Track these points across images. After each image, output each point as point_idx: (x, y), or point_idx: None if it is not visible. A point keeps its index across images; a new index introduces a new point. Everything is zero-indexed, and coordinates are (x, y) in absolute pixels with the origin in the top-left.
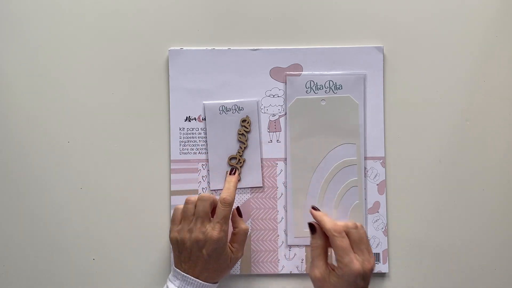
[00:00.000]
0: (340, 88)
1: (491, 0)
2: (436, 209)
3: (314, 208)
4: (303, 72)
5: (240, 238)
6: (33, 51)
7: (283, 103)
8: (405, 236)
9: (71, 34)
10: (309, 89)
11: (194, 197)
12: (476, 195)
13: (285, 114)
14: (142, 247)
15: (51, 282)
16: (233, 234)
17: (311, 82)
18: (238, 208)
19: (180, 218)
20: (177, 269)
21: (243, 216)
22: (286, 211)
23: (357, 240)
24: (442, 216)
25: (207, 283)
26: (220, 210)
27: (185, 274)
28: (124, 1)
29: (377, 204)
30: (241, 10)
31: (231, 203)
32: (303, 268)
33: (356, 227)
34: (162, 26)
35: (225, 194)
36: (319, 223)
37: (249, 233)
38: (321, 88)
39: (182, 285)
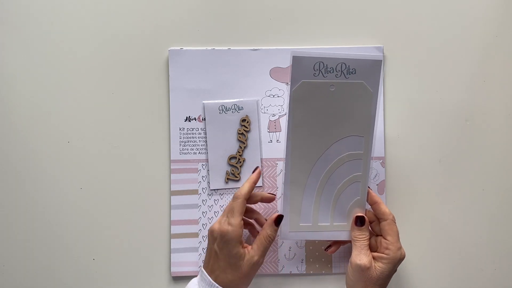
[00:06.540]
0: (353, 72)
1: (491, 0)
2: (436, 209)
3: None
4: (311, 51)
5: (259, 241)
6: (33, 51)
7: (283, 103)
8: (405, 236)
9: (71, 34)
10: (317, 72)
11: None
12: (476, 195)
13: (285, 113)
14: (142, 247)
15: (51, 282)
16: (257, 236)
17: (321, 64)
18: (278, 216)
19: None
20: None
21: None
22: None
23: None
24: (442, 216)
25: (216, 284)
26: (228, 204)
27: (202, 269)
28: (124, 1)
29: None
30: (241, 10)
31: (237, 197)
32: (303, 268)
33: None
34: (162, 26)
35: (238, 190)
36: (377, 204)
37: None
38: (332, 71)
39: (200, 279)
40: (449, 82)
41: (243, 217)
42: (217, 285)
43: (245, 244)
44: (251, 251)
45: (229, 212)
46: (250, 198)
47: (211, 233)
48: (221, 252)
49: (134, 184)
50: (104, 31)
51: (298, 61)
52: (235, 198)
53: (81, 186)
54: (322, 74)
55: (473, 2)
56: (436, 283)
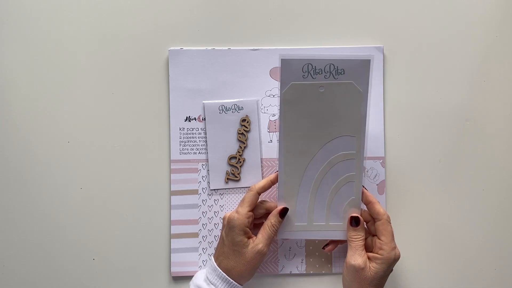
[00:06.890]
0: (342, 73)
1: (491, 0)
2: (436, 209)
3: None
4: (300, 53)
5: (264, 230)
6: (33, 51)
7: None
8: (404, 236)
9: (71, 34)
10: (306, 74)
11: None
12: (476, 195)
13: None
14: (142, 247)
15: (51, 282)
16: (262, 226)
17: (309, 65)
18: (283, 209)
19: None
20: None
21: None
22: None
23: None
24: (442, 216)
25: (219, 269)
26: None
27: (211, 255)
28: (124, 1)
29: None
30: (241, 10)
31: (251, 189)
32: (303, 268)
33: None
34: (162, 26)
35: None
36: (372, 204)
37: None
38: (320, 72)
39: (208, 266)
40: (449, 82)
41: (263, 221)
42: (220, 270)
43: (252, 235)
44: (255, 240)
45: (240, 202)
46: (259, 206)
47: (223, 220)
48: (227, 238)
49: (134, 184)
50: (104, 31)
51: (286, 63)
52: (249, 190)
53: (81, 186)
54: (311, 75)
55: (473, 2)
56: (436, 283)
